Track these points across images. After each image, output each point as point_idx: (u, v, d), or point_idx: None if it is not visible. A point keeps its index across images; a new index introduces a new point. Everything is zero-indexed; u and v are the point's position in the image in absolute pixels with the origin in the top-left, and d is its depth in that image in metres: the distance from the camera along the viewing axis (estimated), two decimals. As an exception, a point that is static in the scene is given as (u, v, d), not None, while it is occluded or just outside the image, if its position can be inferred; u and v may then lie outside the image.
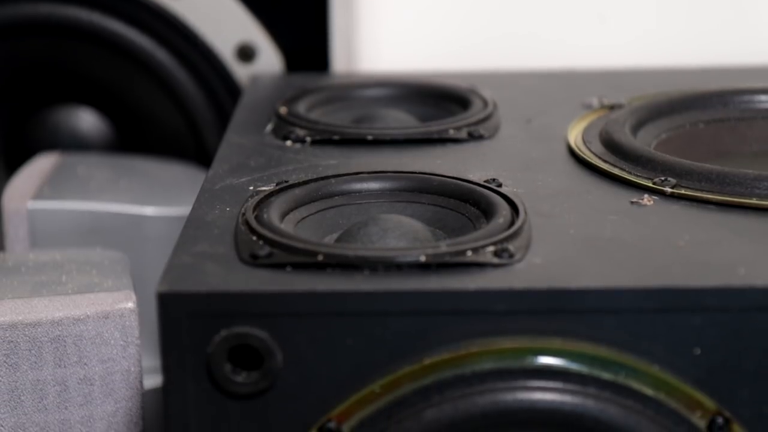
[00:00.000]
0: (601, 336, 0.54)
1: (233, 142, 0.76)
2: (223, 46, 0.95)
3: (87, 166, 0.90)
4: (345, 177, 0.66)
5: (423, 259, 0.55)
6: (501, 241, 0.57)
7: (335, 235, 0.62)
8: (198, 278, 0.55)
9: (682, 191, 0.64)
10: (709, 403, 0.55)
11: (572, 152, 0.72)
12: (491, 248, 0.57)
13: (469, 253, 0.56)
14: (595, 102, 0.82)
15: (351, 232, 0.60)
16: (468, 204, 0.63)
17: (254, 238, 0.58)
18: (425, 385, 0.54)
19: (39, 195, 0.84)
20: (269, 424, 0.55)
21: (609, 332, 0.54)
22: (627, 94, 0.83)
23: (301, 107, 0.81)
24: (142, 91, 0.97)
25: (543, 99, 0.85)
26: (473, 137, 0.75)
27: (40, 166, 0.89)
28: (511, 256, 0.56)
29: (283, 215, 0.62)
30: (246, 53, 0.95)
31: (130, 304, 0.66)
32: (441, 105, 0.83)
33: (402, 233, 0.60)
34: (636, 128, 0.74)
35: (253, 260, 0.56)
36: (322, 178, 0.66)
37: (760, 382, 0.54)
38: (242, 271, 0.56)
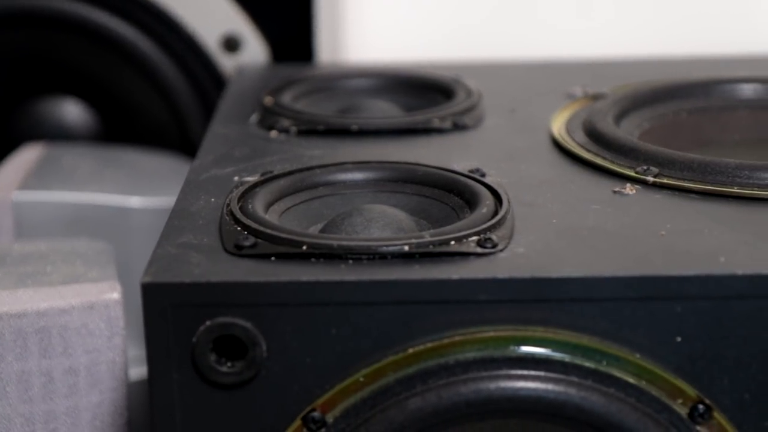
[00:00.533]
0: (583, 324, 0.55)
1: (218, 132, 0.76)
2: (209, 37, 0.95)
3: (72, 156, 0.90)
4: (329, 167, 0.66)
5: (407, 248, 0.56)
6: (484, 231, 0.57)
7: (320, 226, 0.63)
8: (182, 269, 0.55)
9: (664, 180, 0.64)
10: (691, 391, 0.55)
11: (556, 142, 0.72)
12: (474, 238, 0.57)
13: (453, 242, 0.56)
14: (578, 92, 0.82)
15: (335, 223, 0.61)
16: (452, 194, 0.63)
17: (239, 228, 0.58)
18: (409, 374, 0.54)
19: (24, 186, 0.84)
20: (254, 413, 0.55)
21: (591, 321, 0.55)
22: (611, 84, 0.83)
23: (286, 98, 0.81)
24: (127, 81, 0.97)
25: (527, 89, 0.85)
26: (457, 127, 0.76)
27: (26, 156, 0.89)
28: (495, 245, 0.56)
29: (268, 206, 0.62)
30: (231, 44, 0.95)
31: (115, 295, 0.66)
32: (426, 95, 0.83)
33: (386, 223, 0.60)
34: (619, 118, 0.74)
35: (238, 251, 0.57)
36: (307, 169, 0.66)
37: (741, 370, 0.55)
38: (227, 262, 0.56)
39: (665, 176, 0.65)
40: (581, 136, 0.72)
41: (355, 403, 0.55)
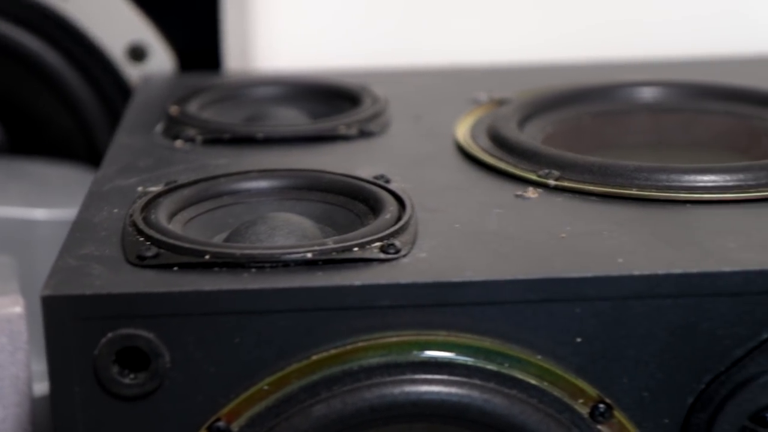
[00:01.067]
0: (485, 328, 0.55)
1: (122, 143, 0.76)
2: (114, 47, 0.94)
3: (-24, 169, 0.88)
4: (234, 176, 0.66)
5: (309, 256, 0.56)
6: (387, 237, 0.58)
7: (224, 235, 0.62)
8: (83, 281, 0.55)
9: (566, 183, 0.65)
10: (591, 391, 0.56)
11: (460, 147, 0.73)
12: (378, 244, 0.57)
13: (356, 249, 0.57)
14: (483, 97, 0.83)
15: (239, 231, 0.60)
16: (357, 201, 0.64)
17: (141, 239, 0.58)
18: (313, 382, 0.55)
19: (-74, 199, 0.82)
20: (158, 424, 0.55)
21: (493, 324, 0.55)
22: (515, 89, 0.84)
23: (193, 107, 0.80)
24: (31, 92, 0.95)
25: (433, 95, 0.86)
26: (363, 134, 0.76)
27: (-73, 170, 0.88)
28: (397, 251, 0.57)
29: (172, 216, 0.62)
30: (137, 53, 0.94)
31: (18, 309, 0.65)
32: (332, 103, 0.83)
33: (290, 231, 0.60)
34: (523, 122, 0.75)
35: (140, 261, 0.56)
36: (211, 178, 0.66)
37: (639, 369, 0.56)
38: (129, 273, 0.56)
39: (566, 179, 0.66)
40: (485, 141, 0.72)
41: (260, 411, 0.55)
